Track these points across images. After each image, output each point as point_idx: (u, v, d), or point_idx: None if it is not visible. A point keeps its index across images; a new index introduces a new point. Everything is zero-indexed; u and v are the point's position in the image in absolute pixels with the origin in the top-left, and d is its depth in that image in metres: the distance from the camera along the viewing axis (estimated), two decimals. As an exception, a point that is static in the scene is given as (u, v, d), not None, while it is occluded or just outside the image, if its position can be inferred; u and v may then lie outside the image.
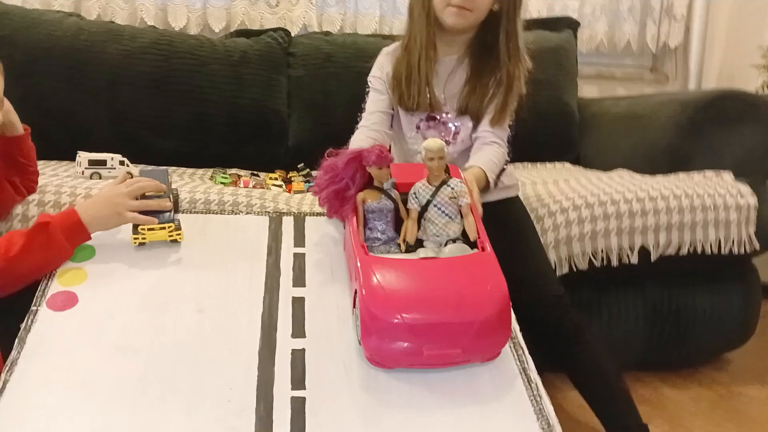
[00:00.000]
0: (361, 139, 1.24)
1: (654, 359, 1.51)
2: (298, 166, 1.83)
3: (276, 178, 1.73)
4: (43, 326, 0.83)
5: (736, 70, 2.37)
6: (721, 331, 1.52)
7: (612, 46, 2.40)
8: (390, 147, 1.32)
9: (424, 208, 0.92)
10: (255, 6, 2.11)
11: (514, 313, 0.92)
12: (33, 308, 0.85)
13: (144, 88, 1.78)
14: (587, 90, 2.40)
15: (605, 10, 2.35)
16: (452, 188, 0.92)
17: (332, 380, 0.81)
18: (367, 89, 1.32)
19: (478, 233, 0.91)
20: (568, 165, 1.93)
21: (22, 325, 0.84)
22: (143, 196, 0.97)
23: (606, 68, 2.46)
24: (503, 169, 1.25)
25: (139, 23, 2.02)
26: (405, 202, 0.95)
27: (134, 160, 1.63)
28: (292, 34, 2.03)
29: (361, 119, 1.29)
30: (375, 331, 0.80)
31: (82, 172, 1.38)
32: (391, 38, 1.95)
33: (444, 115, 1.27)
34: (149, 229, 0.95)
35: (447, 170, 0.95)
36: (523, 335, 0.94)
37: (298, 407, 0.77)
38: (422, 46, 1.23)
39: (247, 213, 1.13)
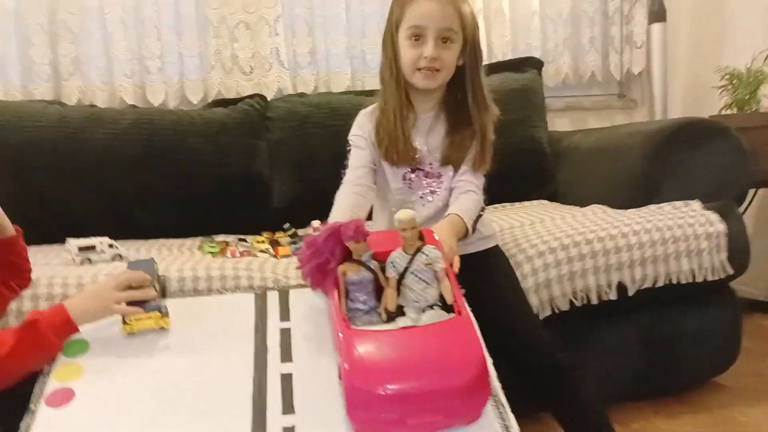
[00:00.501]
0: (346, 194, 1.27)
1: (644, 388, 1.54)
2: (284, 226, 1.88)
3: (263, 241, 1.77)
4: (42, 424, 0.87)
5: (700, 91, 2.46)
6: (707, 353, 1.56)
7: (578, 77, 2.49)
8: (370, 212, 1.36)
9: (401, 276, 0.97)
10: (230, 75, 2.19)
11: (503, 361, 0.97)
12: (31, 407, 0.89)
13: (129, 168, 1.85)
14: (559, 123, 2.48)
15: (567, 44, 2.45)
16: (426, 255, 0.97)
17: None
18: (348, 147, 1.36)
19: (454, 297, 0.96)
20: (544, 202, 1.99)
21: (22, 425, 0.87)
22: (130, 287, 1.02)
23: (575, 99, 2.55)
24: (480, 216, 1.30)
25: (119, 103, 2.08)
26: (384, 269, 1.00)
27: (124, 236, 1.69)
28: (269, 98, 2.11)
29: (345, 175, 1.32)
30: (359, 403, 0.84)
31: (73, 260, 1.42)
32: (364, 93, 2.05)
33: (428, 165, 1.32)
34: (137, 319, 0.99)
35: (421, 236, 0.99)
36: (513, 380, 0.99)
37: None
38: (397, 109, 1.29)
39: (234, 290, 1.17)
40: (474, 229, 1.25)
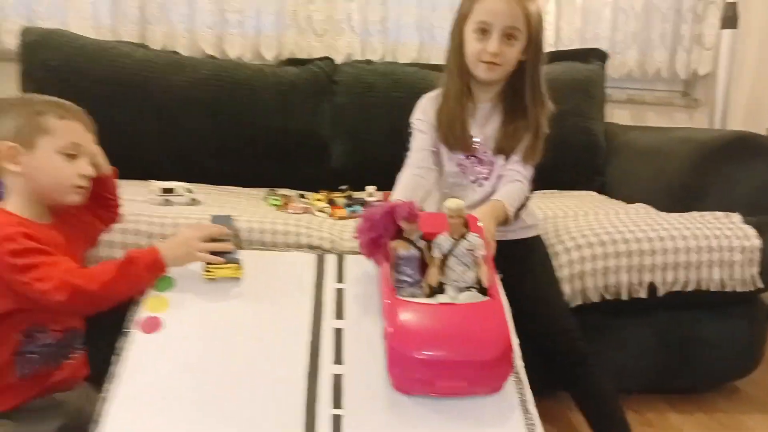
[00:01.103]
0: (407, 175, 1.38)
1: (662, 383, 1.63)
2: (341, 187, 2.01)
3: (321, 200, 1.91)
4: (135, 345, 1.03)
5: (763, 101, 2.44)
6: (727, 359, 1.63)
7: (643, 72, 2.50)
8: (421, 199, 1.45)
9: (445, 257, 1.08)
10: (303, 35, 2.28)
11: (530, 342, 1.09)
12: (126, 331, 1.05)
13: (204, 116, 1.99)
14: (618, 115, 2.51)
15: (636, 38, 2.45)
16: (469, 242, 1.08)
17: (365, 402, 0.98)
18: (410, 130, 1.45)
19: (490, 282, 1.06)
20: (593, 193, 2.06)
21: (117, 345, 1.03)
22: (212, 240, 1.16)
23: (638, 93, 2.56)
24: (523, 205, 1.40)
25: (199, 52, 2.21)
26: (430, 248, 1.11)
27: (196, 180, 1.83)
28: (337, 62, 2.20)
29: (407, 158, 1.42)
30: (398, 362, 0.98)
31: (155, 199, 1.58)
32: (428, 67, 2.13)
33: (482, 153, 1.41)
34: (216, 268, 1.14)
35: (466, 224, 1.10)
36: (536, 361, 1.11)
37: (336, 424, 0.95)
38: (457, 97, 1.39)
39: (295, 246, 1.31)
40: (516, 217, 1.35)
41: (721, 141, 1.70)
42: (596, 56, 2.23)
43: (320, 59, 2.17)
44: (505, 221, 1.30)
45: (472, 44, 1.33)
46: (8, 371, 1.12)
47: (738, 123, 2.53)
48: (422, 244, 1.11)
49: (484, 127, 1.41)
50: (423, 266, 1.11)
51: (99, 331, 1.16)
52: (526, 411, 0.97)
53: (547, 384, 1.29)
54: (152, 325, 1.05)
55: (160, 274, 1.12)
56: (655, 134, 2.02)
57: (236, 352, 1.04)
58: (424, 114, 1.44)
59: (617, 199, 1.96)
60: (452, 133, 1.39)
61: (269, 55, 2.26)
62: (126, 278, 1.10)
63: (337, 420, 0.95)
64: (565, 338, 1.32)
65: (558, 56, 2.18)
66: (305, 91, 2.08)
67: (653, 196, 1.80)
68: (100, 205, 1.35)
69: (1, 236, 1.08)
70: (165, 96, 1.97)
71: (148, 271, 1.11)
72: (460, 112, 1.38)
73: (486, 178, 1.41)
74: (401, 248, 1.10)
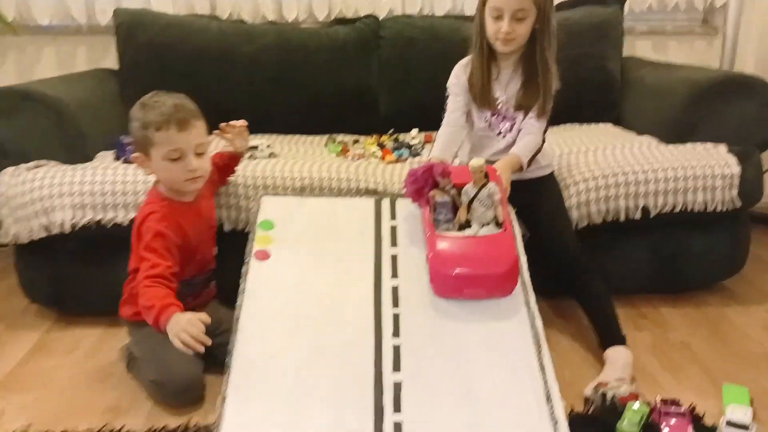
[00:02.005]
0: (444, 133, 1.73)
1: (656, 286, 1.99)
2: (389, 132, 2.37)
3: (372, 143, 2.28)
4: (255, 269, 1.45)
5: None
6: (711, 266, 1.97)
7: (662, 5, 2.69)
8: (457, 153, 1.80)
9: (470, 202, 1.46)
10: (350, -6, 2.57)
11: (544, 259, 1.48)
12: (246, 259, 1.46)
13: (271, 77, 2.35)
14: (640, 46, 2.72)
15: (655, -28, 2.62)
16: (489, 190, 1.44)
17: (415, 304, 1.39)
18: (447, 94, 1.76)
19: (504, 218, 1.44)
20: (609, 125, 2.35)
21: (243, 270, 1.45)
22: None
23: (658, 24, 2.75)
24: (538, 152, 1.73)
25: (260, 18, 2.54)
26: (460, 194, 1.48)
27: (267, 131, 2.27)
28: (380, 18, 2.50)
29: (444, 118, 1.74)
30: (437, 278, 1.38)
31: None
32: (462, 18, 2.41)
33: (505, 111, 1.73)
34: None
35: (486, 175, 1.46)
36: (546, 272, 1.49)
37: (396, 321, 1.36)
38: (481, 65, 1.70)
39: (354, 190, 1.74)
40: (531, 163, 1.69)
41: (713, 81, 1.97)
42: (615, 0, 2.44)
43: (366, 17, 2.48)
44: (520, 169, 1.66)
45: (490, 25, 1.64)
46: None
47: (752, 52, 2.71)
48: (453, 192, 1.49)
49: (506, 89, 1.72)
50: (455, 208, 1.49)
51: (226, 263, 1.61)
52: (528, 308, 1.37)
53: (556, 290, 1.70)
54: (263, 255, 1.48)
55: (156, 328, 1.36)
56: (661, 72, 2.27)
57: (322, 274, 1.45)
58: (457, 78, 1.77)
59: (630, 130, 2.26)
60: (480, 95, 1.72)
61: (321, 15, 2.57)
62: (146, 313, 1.38)
63: (396, 318, 1.37)
64: (570, 255, 1.69)
65: (579, 1, 2.42)
66: (354, 48, 2.41)
67: (658, 128, 2.10)
68: (228, 174, 1.77)
69: (148, 210, 1.50)
70: (236, 62, 2.34)
71: (155, 323, 1.35)
72: (485, 78, 1.70)
73: (508, 132, 1.74)
74: (438, 196, 1.49)
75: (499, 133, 1.75)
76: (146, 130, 1.46)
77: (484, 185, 1.45)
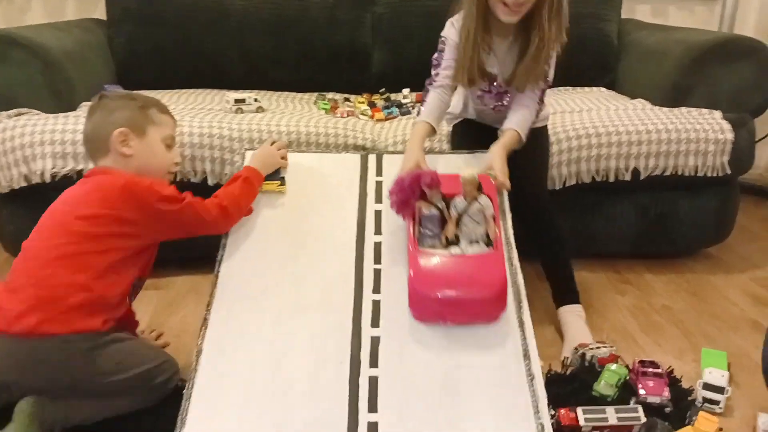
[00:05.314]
0: (432, 97, 1.54)
1: (642, 249, 1.99)
2: (380, 90, 2.34)
3: (363, 102, 2.25)
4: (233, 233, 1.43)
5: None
6: (698, 231, 1.96)
7: (663, -31, 2.62)
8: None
9: (460, 216, 1.33)
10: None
11: (518, 206, 1.41)
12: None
13: (263, 31, 2.31)
14: (640, 10, 2.67)
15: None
16: (480, 204, 1.32)
17: (397, 256, 1.33)
18: (440, 47, 1.55)
19: (495, 236, 1.32)
20: (603, 89, 2.32)
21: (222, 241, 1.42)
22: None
23: (658, -14, 2.69)
24: (534, 120, 1.60)
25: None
26: (448, 207, 1.34)
27: (258, 87, 2.22)
28: (376, -27, 2.43)
29: (433, 76, 1.55)
30: (417, 299, 1.23)
31: (230, 108, 1.95)
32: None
33: (498, 86, 1.58)
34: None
35: (479, 187, 1.33)
36: (518, 225, 1.41)
37: (377, 276, 1.35)
38: (472, 32, 1.46)
39: (342, 146, 1.69)
40: (528, 137, 1.55)
41: (709, 43, 1.92)
42: (616, -41, 2.38)
43: (361, -28, 2.41)
44: (518, 144, 1.52)
45: None
46: (124, 297, 1.32)
47: (752, 17, 2.65)
48: (442, 204, 1.37)
49: (503, 61, 1.55)
50: (443, 222, 1.35)
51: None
52: (511, 264, 1.33)
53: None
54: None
55: (261, 183, 1.47)
56: (658, 34, 2.23)
57: (305, 233, 1.42)
58: (449, 33, 1.57)
59: (623, 94, 2.22)
60: (470, 71, 1.51)
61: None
62: (248, 195, 1.44)
63: (377, 274, 1.35)
64: (541, 208, 1.61)
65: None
66: (349, 3, 2.35)
67: (651, 92, 2.06)
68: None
69: (149, 182, 1.30)
70: (228, 16, 2.29)
71: (258, 185, 1.46)
72: (471, 47, 1.48)
73: (502, 105, 1.61)
74: (425, 208, 1.35)
75: (494, 107, 1.64)
76: (148, 110, 1.41)
77: (475, 198, 1.33)
